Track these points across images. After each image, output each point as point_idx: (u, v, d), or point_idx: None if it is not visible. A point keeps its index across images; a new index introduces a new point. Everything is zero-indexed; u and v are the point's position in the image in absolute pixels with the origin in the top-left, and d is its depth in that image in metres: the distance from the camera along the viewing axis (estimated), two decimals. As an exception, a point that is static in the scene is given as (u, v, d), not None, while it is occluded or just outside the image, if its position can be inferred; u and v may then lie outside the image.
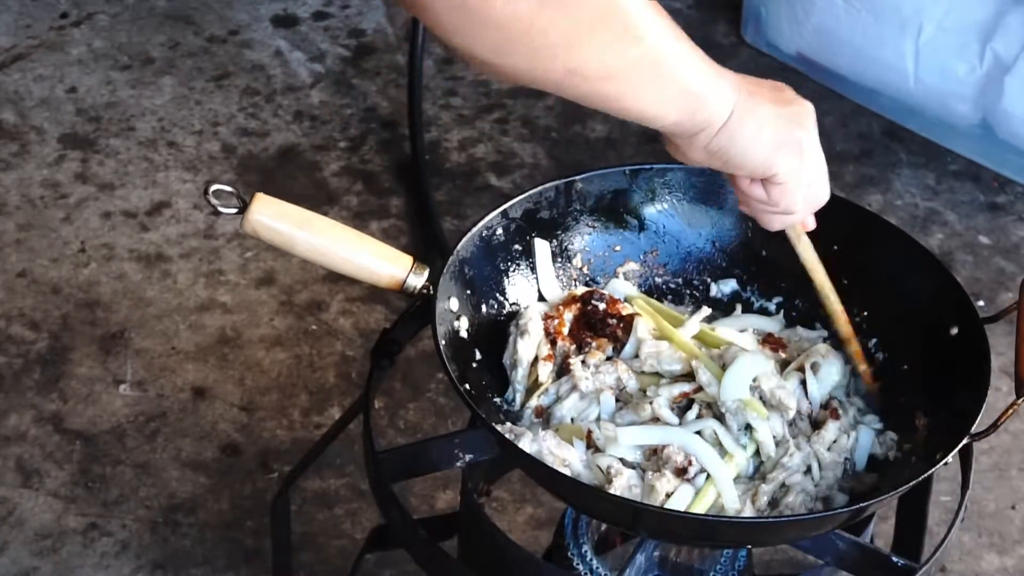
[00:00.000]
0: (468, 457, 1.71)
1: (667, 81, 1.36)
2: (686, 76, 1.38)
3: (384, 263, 1.59)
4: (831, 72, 3.25)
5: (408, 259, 1.60)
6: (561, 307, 1.74)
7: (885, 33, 3.07)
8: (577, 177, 1.79)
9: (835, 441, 1.65)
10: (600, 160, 3.06)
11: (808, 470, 1.62)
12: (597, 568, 1.80)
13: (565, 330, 1.71)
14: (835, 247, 1.76)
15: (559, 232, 1.79)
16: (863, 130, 3.20)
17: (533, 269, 1.77)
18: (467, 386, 1.65)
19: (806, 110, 1.50)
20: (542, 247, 1.76)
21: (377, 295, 2.73)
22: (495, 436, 1.57)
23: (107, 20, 3.42)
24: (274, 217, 1.57)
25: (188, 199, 2.92)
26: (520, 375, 1.69)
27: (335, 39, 3.43)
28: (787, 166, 1.48)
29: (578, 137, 3.15)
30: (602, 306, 1.73)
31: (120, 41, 3.35)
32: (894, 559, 1.62)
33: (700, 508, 1.55)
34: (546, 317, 1.73)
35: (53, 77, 3.23)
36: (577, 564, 1.81)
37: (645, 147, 3.10)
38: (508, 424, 1.64)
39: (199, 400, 2.53)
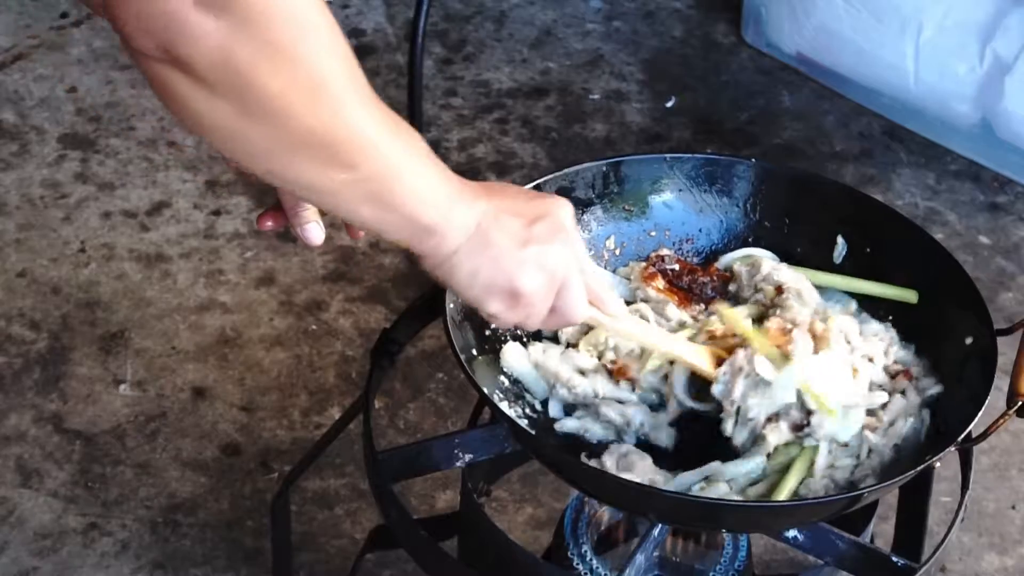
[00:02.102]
0: (468, 457, 1.71)
1: (387, 208, 1.33)
2: (410, 207, 1.33)
3: None
4: (831, 72, 3.26)
5: None
6: (648, 280, 1.77)
7: (885, 33, 3.07)
8: (619, 159, 1.81)
9: (892, 424, 1.65)
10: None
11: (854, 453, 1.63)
12: (597, 568, 1.80)
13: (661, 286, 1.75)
14: (868, 249, 1.77)
15: (593, 212, 1.81)
16: (863, 130, 3.20)
17: None
18: (473, 351, 1.65)
19: (554, 222, 1.45)
20: (513, 354, 1.75)
21: (377, 295, 2.73)
22: (489, 404, 1.57)
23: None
24: None
25: (188, 199, 2.92)
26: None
27: (335, 39, 3.43)
28: (495, 308, 1.45)
29: (578, 137, 3.15)
30: (675, 267, 1.76)
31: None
32: (894, 559, 1.63)
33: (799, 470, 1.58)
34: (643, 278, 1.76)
35: (53, 77, 3.23)
36: (577, 564, 1.81)
37: (644, 147, 3.10)
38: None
39: (199, 400, 2.52)
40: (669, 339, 1.65)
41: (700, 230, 1.84)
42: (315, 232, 1.53)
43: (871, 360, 1.67)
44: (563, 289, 1.46)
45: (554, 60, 3.36)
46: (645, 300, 1.76)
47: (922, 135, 3.17)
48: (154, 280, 2.75)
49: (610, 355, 1.69)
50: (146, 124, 3.12)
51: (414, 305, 1.85)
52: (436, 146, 3.10)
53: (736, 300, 1.77)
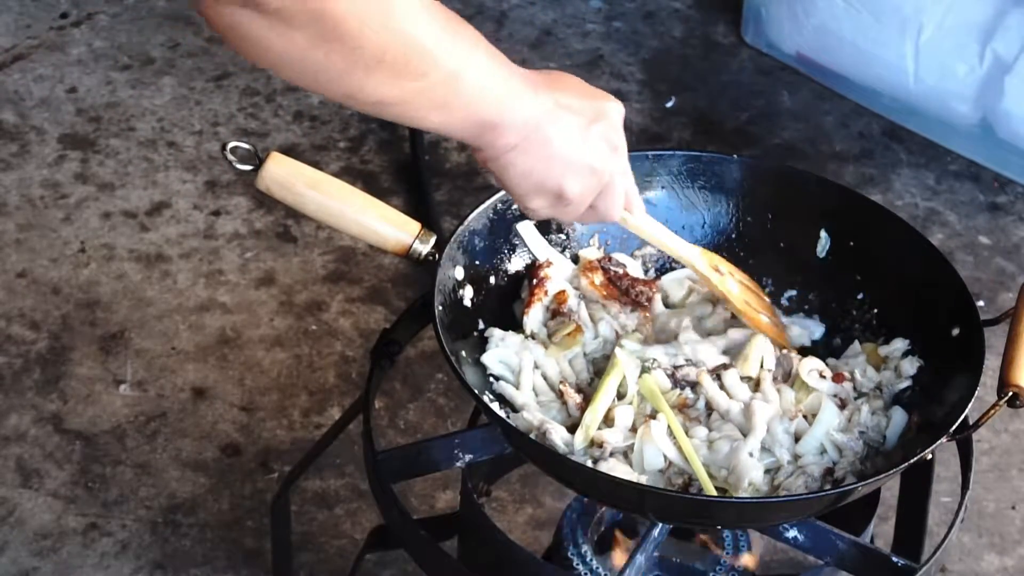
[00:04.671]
0: (468, 457, 1.71)
1: (452, 110, 1.37)
2: (473, 106, 1.38)
3: (391, 227, 1.63)
4: (831, 72, 3.25)
5: (416, 225, 1.63)
6: (587, 271, 1.78)
7: (885, 33, 3.07)
8: None
9: (849, 419, 1.66)
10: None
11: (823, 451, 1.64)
12: (597, 568, 1.80)
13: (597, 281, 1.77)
14: (851, 243, 1.77)
15: None
16: (863, 130, 3.20)
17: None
18: (463, 353, 1.65)
19: (610, 125, 1.50)
20: (525, 228, 1.78)
21: (377, 295, 2.73)
22: (484, 408, 1.58)
23: (107, 20, 3.42)
24: (287, 175, 1.61)
25: (188, 199, 2.92)
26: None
27: (335, 39, 3.43)
28: (537, 205, 1.50)
29: (578, 137, 3.15)
30: (621, 271, 1.77)
31: (120, 41, 3.35)
32: (894, 559, 1.63)
33: None
34: (580, 273, 1.78)
35: (53, 77, 3.23)
36: (577, 564, 1.81)
37: (643, 146, 3.10)
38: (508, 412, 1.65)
39: (199, 400, 2.52)
40: (683, 245, 1.71)
41: (683, 227, 1.84)
42: None
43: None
44: (605, 191, 1.52)
45: (554, 60, 3.36)
46: (577, 289, 1.77)
47: (922, 135, 3.17)
48: (154, 280, 2.75)
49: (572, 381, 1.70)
50: (146, 124, 3.12)
51: (414, 305, 1.86)
52: (436, 146, 3.10)
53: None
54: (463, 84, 1.35)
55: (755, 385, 1.68)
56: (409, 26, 1.29)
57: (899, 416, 1.67)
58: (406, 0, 1.29)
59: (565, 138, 1.44)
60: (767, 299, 1.79)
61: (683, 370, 1.68)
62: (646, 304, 1.77)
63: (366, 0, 1.26)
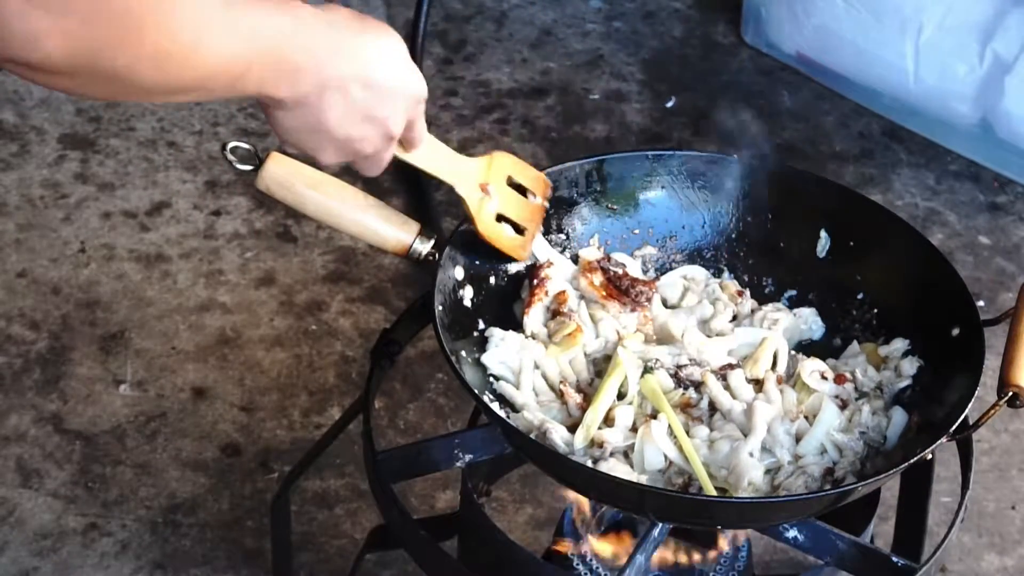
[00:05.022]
0: (468, 457, 1.71)
1: (237, 94, 1.36)
2: (256, 91, 1.37)
3: (391, 227, 1.64)
4: (831, 72, 3.25)
5: (415, 225, 1.64)
6: (587, 272, 1.78)
7: (885, 33, 3.07)
8: (601, 158, 1.81)
9: (850, 420, 1.66)
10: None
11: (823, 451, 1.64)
12: (597, 568, 1.80)
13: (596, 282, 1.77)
14: (851, 243, 1.77)
15: (578, 211, 1.81)
16: (863, 130, 3.20)
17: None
18: (463, 353, 1.65)
19: (381, 86, 1.47)
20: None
21: (377, 295, 2.73)
22: (485, 409, 1.58)
23: (107, 20, 3.42)
24: (287, 176, 1.62)
25: (188, 199, 2.92)
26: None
27: (335, 39, 3.43)
28: (298, 152, 1.51)
29: (578, 137, 3.15)
30: (620, 271, 1.77)
31: (120, 41, 3.35)
32: (894, 559, 1.63)
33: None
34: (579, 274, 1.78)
35: (53, 77, 3.23)
36: (577, 564, 1.81)
37: (643, 146, 3.10)
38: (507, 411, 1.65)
39: (199, 400, 2.52)
40: (452, 166, 1.70)
41: (683, 227, 1.84)
42: None
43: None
44: (363, 160, 1.53)
45: (554, 60, 3.36)
46: (577, 289, 1.77)
47: (922, 135, 3.17)
48: (154, 280, 2.75)
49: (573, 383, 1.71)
50: (146, 124, 3.12)
51: (414, 305, 1.86)
52: (436, 146, 3.09)
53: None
54: (248, 80, 1.34)
55: (759, 385, 1.68)
56: (189, 67, 1.27)
57: (899, 416, 1.67)
58: (186, 43, 1.26)
59: (338, 118, 1.44)
60: (543, 194, 1.76)
61: (687, 370, 1.68)
62: (646, 304, 1.77)
63: (140, 54, 1.23)
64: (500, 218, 1.71)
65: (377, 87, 1.45)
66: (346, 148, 1.49)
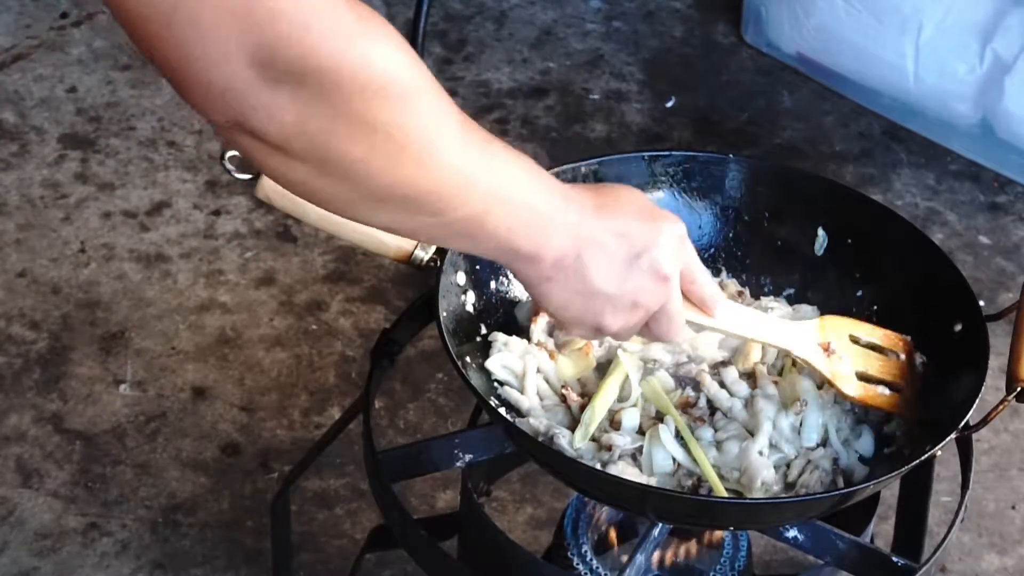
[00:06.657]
0: (468, 457, 1.71)
1: (478, 240, 1.30)
2: (503, 240, 1.29)
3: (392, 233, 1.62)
4: (831, 72, 3.25)
5: None
6: None
7: (885, 33, 3.07)
8: (595, 160, 1.80)
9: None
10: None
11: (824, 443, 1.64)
12: (597, 568, 1.80)
13: None
14: (848, 240, 1.77)
15: None
16: (863, 130, 3.20)
17: None
18: (467, 359, 1.65)
19: (656, 258, 1.38)
20: None
21: (377, 295, 2.73)
22: (490, 411, 1.57)
23: (107, 20, 3.42)
24: None
25: (188, 199, 2.92)
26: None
27: (335, 39, 3.43)
28: (579, 334, 1.47)
29: (578, 137, 3.15)
30: None
31: (120, 41, 3.35)
32: (894, 559, 1.63)
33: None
34: None
35: (53, 77, 3.23)
36: (577, 564, 1.81)
37: (643, 147, 3.10)
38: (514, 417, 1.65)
39: (199, 400, 2.52)
40: (780, 332, 1.61)
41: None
42: None
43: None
44: (655, 320, 1.43)
45: (554, 60, 3.37)
46: None
47: (922, 135, 3.17)
48: (154, 280, 2.75)
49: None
50: (146, 124, 3.12)
51: (414, 305, 1.85)
52: (436, 146, 3.09)
53: None
54: (490, 219, 1.27)
55: (751, 380, 1.68)
56: (424, 170, 1.21)
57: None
58: (425, 144, 1.20)
59: (605, 272, 1.36)
60: (904, 350, 1.69)
61: (685, 367, 1.68)
62: None
63: (374, 145, 1.16)
64: (862, 377, 1.64)
65: (631, 233, 1.37)
66: (625, 304, 1.39)
